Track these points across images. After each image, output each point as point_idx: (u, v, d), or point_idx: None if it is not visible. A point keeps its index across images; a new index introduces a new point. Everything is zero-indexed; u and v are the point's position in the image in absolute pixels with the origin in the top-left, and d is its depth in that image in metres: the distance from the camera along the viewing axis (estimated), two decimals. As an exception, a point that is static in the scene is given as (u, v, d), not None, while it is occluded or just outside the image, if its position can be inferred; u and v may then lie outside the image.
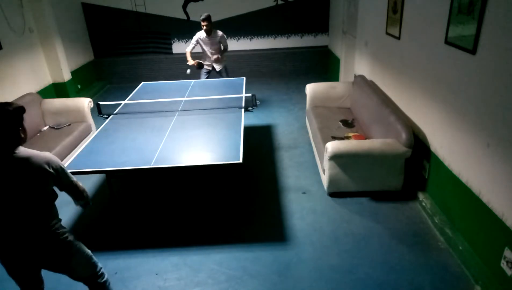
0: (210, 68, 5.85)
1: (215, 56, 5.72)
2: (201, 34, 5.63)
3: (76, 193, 2.00)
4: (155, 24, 7.45)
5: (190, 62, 5.74)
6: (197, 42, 5.67)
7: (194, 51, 5.74)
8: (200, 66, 5.79)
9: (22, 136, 1.83)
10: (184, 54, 5.73)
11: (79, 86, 6.79)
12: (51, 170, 1.83)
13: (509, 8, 2.20)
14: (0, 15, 4.81)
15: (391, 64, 4.21)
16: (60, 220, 2.03)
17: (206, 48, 5.70)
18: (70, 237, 2.03)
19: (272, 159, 4.40)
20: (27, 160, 1.78)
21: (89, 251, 2.15)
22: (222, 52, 5.84)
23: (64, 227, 2.02)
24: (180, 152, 3.21)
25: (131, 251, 3.05)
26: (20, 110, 1.80)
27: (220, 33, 5.68)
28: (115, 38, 7.57)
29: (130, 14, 7.34)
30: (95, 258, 2.18)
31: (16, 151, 1.78)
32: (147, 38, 7.59)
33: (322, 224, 3.24)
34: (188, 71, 5.81)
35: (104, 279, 2.22)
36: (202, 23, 5.45)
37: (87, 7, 7.27)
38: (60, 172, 1.88)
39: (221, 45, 5.76)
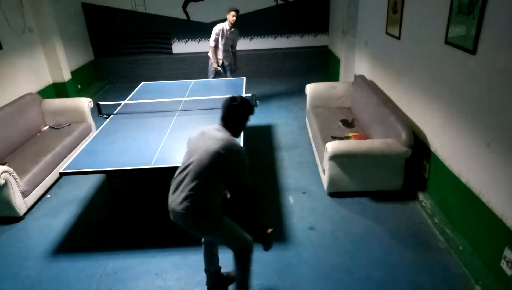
0: (221, 63, 5.77)
1: (227, 54, 5.69)
2: (224, 25, 5.51)
3: (240, 202, 2.17)
4: (155, 24, 7.45)
5: (215, 64, 5.63)
6: (221, 32, 5.49)
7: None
8: (219, 70, 5.73)
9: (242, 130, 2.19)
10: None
11: (79, 86, 6.79)
12: (230, 162, 2.03)
13: (509, 8, 2.20)
14: (0, 15, 4.81)
15: (391, 64, 4.21)
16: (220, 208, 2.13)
17: (222, 41, 5.59)
18: (223, 221, 2.16)
19: (272, 159, 4.40)
20: (227, 141, 2.04)
21: (239, 231, 2.23)
22: (234, 52, 5.83)
23: (220, 212, 2.14)
24: (180, 152, 3.20)
25: (131, 251, 3.04)
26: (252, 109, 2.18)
27: (237, 30, 5.67)
28: (115, 38, 7.57)
29: (130, 14, 7.33)
30: (245, 235, 2.25)
31: (230, 133, 2.12)
32: (147, 38, 7.59)
33: (322, 224, 3.24)
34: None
35: (246, 256, 2.28)
36: (233, 13, 5.34)
37: (87, 7, 7.27)
38: (235, 169, 2.06)
39: (233, 42, 5.71)
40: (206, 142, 2.05)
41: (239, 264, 2.29)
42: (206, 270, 2.55)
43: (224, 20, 5.56)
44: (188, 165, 2.07)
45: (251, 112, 2.17)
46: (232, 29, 5.55)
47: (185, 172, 2.07)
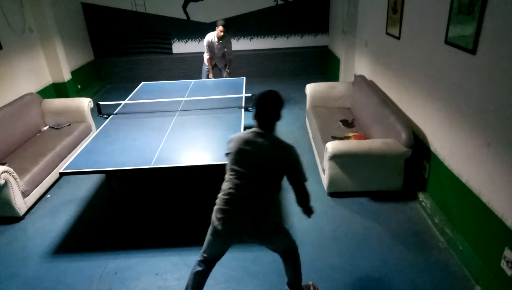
0: (213, 65, 5.82)
1: (221, 59, 5.78)
2: (212, 37, 5.54)
3: (301, 195, 2.16)
4: (155, 24, 7.45)
5: (211, 74, 5.70)
6: (208, 46, 5.58)
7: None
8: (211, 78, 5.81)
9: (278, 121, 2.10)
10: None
11: (79, 86, 6.79)
12: (289, 162, 2.06)
13: (509, 8, 2.20)
14: (0, 15, 4.81)
15: (391, 64, 4.21)
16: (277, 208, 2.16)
17: (214, 51, 5.66)
18: (280, 223, 2.25)
19: (272, 159, 4.39)
20: (277, 143, 2.05)
21: (288, 231, 2.30)
22: (229, 62, 5.85)
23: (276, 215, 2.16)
24: (180, 152, 3.21)
25: (131, 251, 3.04)
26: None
27: (229, 39, 5.67)
28: (115, 38, 7.57)
29: (130, 14, 7.34)
30: (292, 237, 2.32)
31: (271, 133, 2.07)
32: (147, 38, 7.59)
33: (322, 224, 3.24)
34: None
35: (296, 253, 2.35)
36: (221, 29, 5.35)
37: (87, 7, 7.27)
38: (295, 168, 2.08)
39: (226, 49, 5.71)
40: (258, 155, 2.02)
41: (290, 263, 2.36)
42: None
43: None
44: (246, 180, 2.04)
45: (282, 102, 2.10)
46: (221, 41, 5.55)
47: (246, 189, 2.04)
